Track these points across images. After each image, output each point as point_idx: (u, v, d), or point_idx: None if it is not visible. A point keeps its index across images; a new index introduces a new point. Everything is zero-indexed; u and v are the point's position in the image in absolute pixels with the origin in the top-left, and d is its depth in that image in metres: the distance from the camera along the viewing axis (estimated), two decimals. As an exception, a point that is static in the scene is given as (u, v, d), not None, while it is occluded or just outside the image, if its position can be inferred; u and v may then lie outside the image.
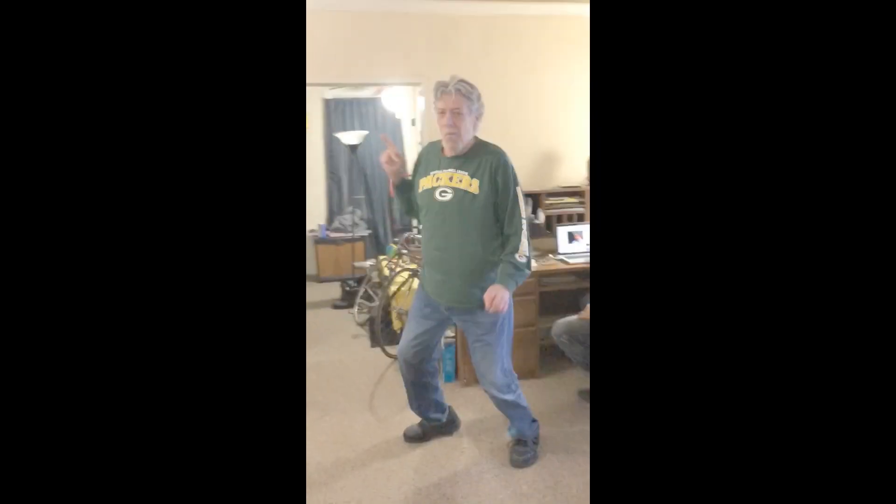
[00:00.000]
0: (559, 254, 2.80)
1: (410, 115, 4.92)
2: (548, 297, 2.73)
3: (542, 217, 2.92)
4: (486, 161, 1.64)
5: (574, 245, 2.84)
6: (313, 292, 4.48)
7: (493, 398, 1.87)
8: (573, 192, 2.94)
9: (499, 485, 1.82)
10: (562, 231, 2.84)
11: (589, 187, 2.95)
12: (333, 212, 5.02)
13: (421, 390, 1.96)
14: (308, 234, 4.77)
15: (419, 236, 3.36)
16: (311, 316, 3.91)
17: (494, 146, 1.71)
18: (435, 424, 2.10)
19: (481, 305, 1.65)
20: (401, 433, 2.17)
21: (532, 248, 1.74)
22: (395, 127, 4.89)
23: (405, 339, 1.88)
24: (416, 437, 2.08)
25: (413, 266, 3.29)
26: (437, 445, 2.08)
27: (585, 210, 2.93)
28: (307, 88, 4.99)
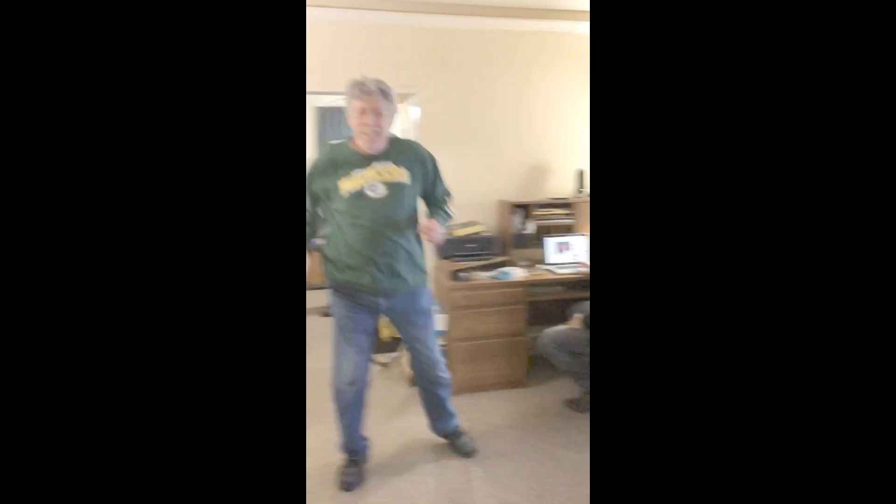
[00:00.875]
0: (547, 264, 2.84)
1: (402, 125, 4.95)
2: (536, 307, 2.76)
3: (531, 228, 2.96)
4: (408, 151, 1.77)
5: (562, 255, 2.88)
6: (301, 299, 4.45)
7: (437, 381, 1.96)
8: (562, 204, 2.99)
9: (486, 493, 1.83)
10: (550, 242, 2.88)
11: (580, 199, 3.00)
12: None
13: (359, 413, 1.89)
14: (297, 241, 4.75)
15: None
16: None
17: (405, 138, 1.85)
18: (363, 456, 1.96)
19: (421, 284, 1.84)
20: (391, 440, 2.18)
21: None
22: (387, 135, 4.92)
23: (346, 363, 1.79)
24: (358, 481, 1.88)
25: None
26: (421, 454, 2.09)
27: (574, 222, 2.98)
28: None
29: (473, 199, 3.01)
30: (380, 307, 1.80)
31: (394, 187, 1.71)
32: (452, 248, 2.71)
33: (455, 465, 2.01)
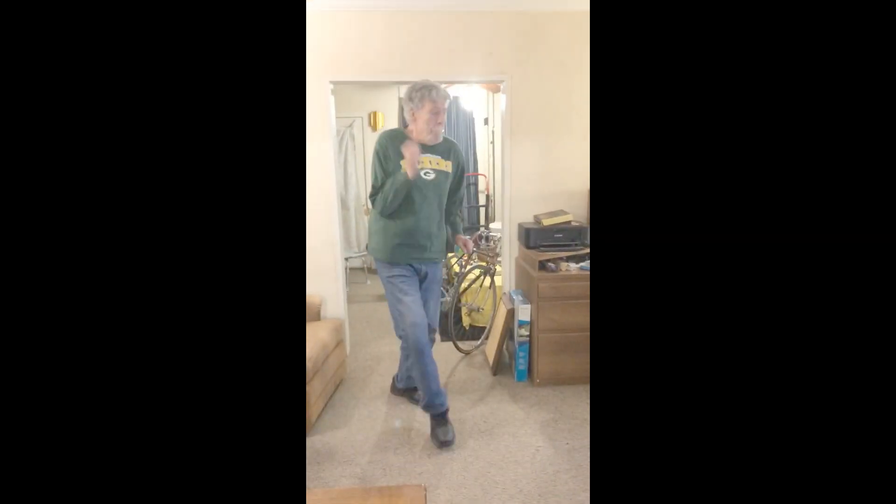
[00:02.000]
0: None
1: (484, 114, 4.94)
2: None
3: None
4: (449, 147, 2.16)
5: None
6: (383, 285, 4.60)
7: (431, 334, 2.17)
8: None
9: (576, 486, 1.79)
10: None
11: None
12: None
13: (430, 355, 2.05)
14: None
15: (493, 234, 3.37)
16: (385, 309, 4.02)
17: (449, 138, 2.21)
18: (445, 410, 2.12)
19: (443, 255, 2.25)
20: (474, 426, 2.19)
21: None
22: (469, 125, 4.93)
23: (405, 309, 2.03)
24: (453, 437, 2.07)
25: (483, 263, 3.30)
26: (511, 442, 2.08)
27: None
28: (390, 87, 5.07)
29: (562, 188, 2.94)
30: (419, 271, 2.17)
31: (439, 174, 2.10)
32: (540, 238, 2.66)
33: (543, 455, 1.99)
